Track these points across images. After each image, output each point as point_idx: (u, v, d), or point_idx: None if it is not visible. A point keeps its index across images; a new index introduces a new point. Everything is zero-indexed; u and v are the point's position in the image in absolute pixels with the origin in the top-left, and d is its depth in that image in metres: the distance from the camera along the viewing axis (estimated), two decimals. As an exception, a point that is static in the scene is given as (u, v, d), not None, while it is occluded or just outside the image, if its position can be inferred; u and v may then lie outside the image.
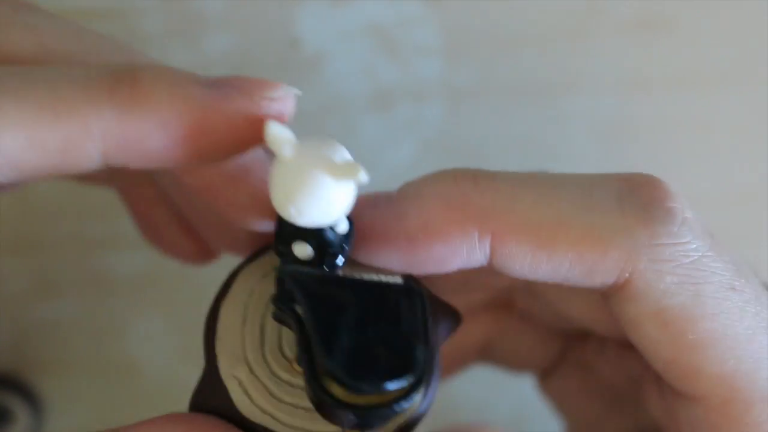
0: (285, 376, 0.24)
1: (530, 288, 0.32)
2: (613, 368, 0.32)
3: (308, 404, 0.23)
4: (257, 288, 0.25)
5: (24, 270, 0.42)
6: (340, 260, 0.24)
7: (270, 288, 0.25)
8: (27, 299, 0.42)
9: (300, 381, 0.24)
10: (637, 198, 0.25)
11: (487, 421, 0.44)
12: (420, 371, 0.22)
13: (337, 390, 0.22)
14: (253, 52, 0.38)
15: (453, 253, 0.25)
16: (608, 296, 0.26)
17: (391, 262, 0.25)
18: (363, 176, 0.22)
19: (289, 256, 0.24)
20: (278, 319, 0.24)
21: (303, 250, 0.24)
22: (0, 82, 0.22)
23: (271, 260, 0.26)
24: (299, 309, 0.23)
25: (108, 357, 0.43)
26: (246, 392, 0.24)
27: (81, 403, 0.43)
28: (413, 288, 0.24)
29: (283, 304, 0.23)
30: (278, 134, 0.22)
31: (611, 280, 0.25)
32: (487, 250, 0.25)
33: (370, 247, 0.25)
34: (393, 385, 0.21)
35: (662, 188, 0.25)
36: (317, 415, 0.23)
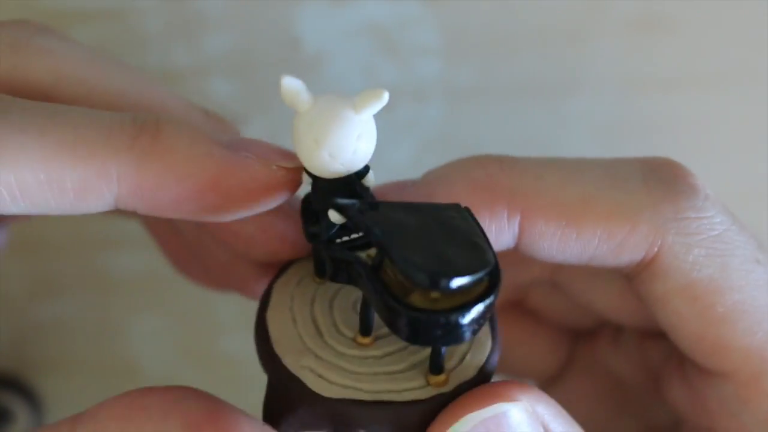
0: (352, 352, 0.24)
1: (551, 278, 0.32)
2: (628, 361, 0.32)
3: (385, 368, 0.24)
4: (296, 292, 0.26)
5: (24, 270, 0.42)
6: None
7: (308, 290, 0.26)
8: (27, 299, 0.42)
9: (369, 351, 0.24)
10: (661, 175, 0.25)
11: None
12: (494, 265, 0.22)
13: (420, 300, 0.22)
14: (253, 52, 0.38)
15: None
16: (635, 276, 0.26)
17: None
18: (384, 96, 0.23)
19: (322, 231, 0.24)
20: (335, 274, 0.24)
21: (335, 215, 0.24)
22: (24, 117, 0.22)
23: (299, 270, 0.26)
24: (363, 247, 0.24)
25: (108, 357, 0.43)
26: (321, 377, 0.24)
27: (81, 403, 0.43)
28: (460, 206, 0.24)
29: (342, 251, 0.24)
30: (293, 86, 0.23)
31: (640, 256, 0.25)
32: (516, 230, 0.25)
33: None
34: (474, 277, 0.21)
35: (683, 168, 0.26)
36: (398, 375, 0.23)
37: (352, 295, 0.26)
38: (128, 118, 0.23)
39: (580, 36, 0.39)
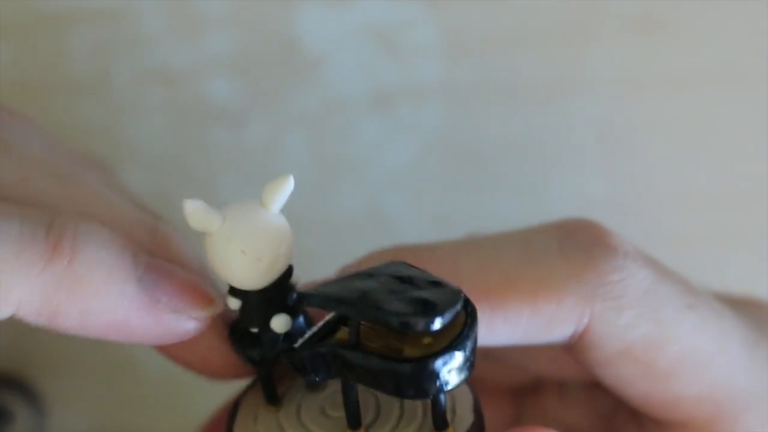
0: None
1: (486, 352, 0.31)
2: (579, 413, 0.31)
3: None
4: (258, 429, 0.25)
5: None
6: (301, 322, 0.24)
7: (270, 421, 0.25)
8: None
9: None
10: (578, 240, 0.25)
11: None
12: (463, 294, 0.22)
13: (416, 351, 0.22)
14: (253, 52, 0.38)
15: None
16: (571, 346, 0.25)
17: None
18: (289, 181, 0.22)
19: (266, 350, 0.24)
20: (313, 372, 0.23)
21: (281, 321, 0.23)
22: None
23: (250, 407, 0.25)
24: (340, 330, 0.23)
25: (108, 357, 0.43)
26: None
27: (81, 403, 0.43)
28: (396, 261, 0.24)
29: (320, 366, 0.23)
30: (200, 207, 0.22)
31: (571, 329, 0.24)
32: None
33: None
34: (458, 307, 0.21)
35: (597, 228, 0.25)
36: None
37: (315, 403, 0.25)
38: (42, 228, 0.22)
39: (580, 36, 0.39)
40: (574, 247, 0.25)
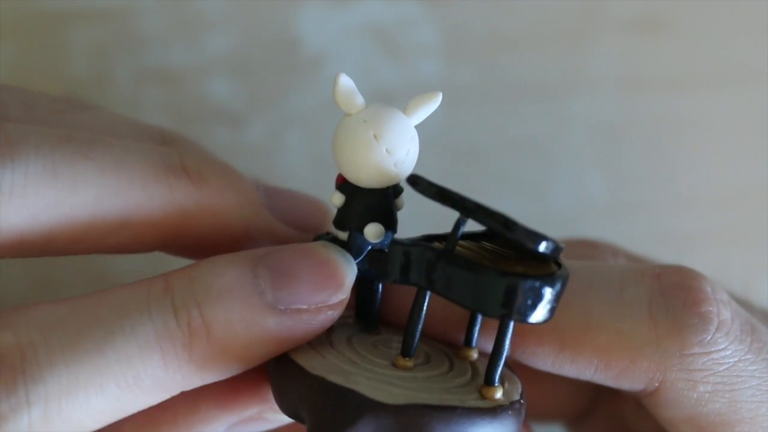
0: (397, 373, 0.23)
1: None
2: (652, 427, 0.30)
3: (437, 385, 0.23)
4: (312, 341, 0.24)
5: (24, 270, 0.42)
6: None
7: (321, 338, 0.24)
8: (27, 299, 0.42)
9: (413, 374, 0.23)
10: (670, 303, 0.24)
11: None
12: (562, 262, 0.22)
13: (519, 270, 0.22)
14: (253, 52, 0.38)
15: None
16: (641, 397, 0.25)
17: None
18: (438, 97, 0.23)
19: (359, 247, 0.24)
20: (402, 273, 0.23)
21: (375, 229, 0.23)
22: None
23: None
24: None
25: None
26: (377, 389, 0.22)
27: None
28: None
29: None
30: (349, 86, 0.23)
31: (640, 387, 0.24)
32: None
33: None
34: (558, 248, 0.22)
35: (696, 290, 0.24)
36: (453, 390, 0.23)
37: (366, 339, 0.25)
38: (170, 317, 0.22)
39: (580, 36, 0.39)
40: (664, 309, 0.24)
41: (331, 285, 0.23)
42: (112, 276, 0.42)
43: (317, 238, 0.24)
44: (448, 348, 0.25)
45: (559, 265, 0.23)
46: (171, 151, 0.25)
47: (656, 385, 0.24)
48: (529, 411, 0.34)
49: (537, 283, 0.21)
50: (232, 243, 0.25)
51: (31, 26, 0.38)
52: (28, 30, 0.38)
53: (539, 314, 0.22)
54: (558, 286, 0.22)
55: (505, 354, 0.23)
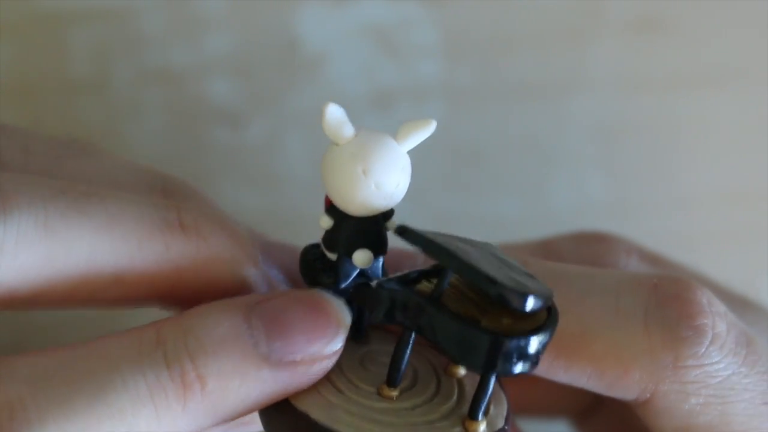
0: (381, 405, 0.23)
1: None
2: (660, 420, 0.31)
3: (420, 418, 0.23)
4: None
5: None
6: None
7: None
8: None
9: (397, 404, 0.23)
10: (665, 314, 0.24)
11: None
12: (553, 297, 0.22)
13: (505, 322, 0.22)
14: (253, 52, 0.38)
15: None
16: (633, 406, 0.25)
17: None
18: (431, 125, 0.23)
19: (340, 280, 0.23)
20: (388, 315, 0.23)
21: (363, 256, 0.23)
22: None
23: None
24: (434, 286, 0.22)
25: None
26: (358, 428, 0.22)
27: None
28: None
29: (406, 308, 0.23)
30: (338, 116, 0.22)
31: (632, 397, 0.24)
32: None
33: None
34: (548, 300, 0.21)
35: (692, 302, 0.24)
36: (436, 424, 0.23)
37: (354, 354, 0.24)
38: (162, 368, 0.22)
39: (580, 36, 0.39)
40: (659, 320, 0.24)
41: (326, 334, 0.23)
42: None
43: (305, 249, 0.24)
44: (437, 360, 0.25)
45: (549, 311, 0.22)
46: (169, 205, 0.24)
47: (648, 395, 0.24)
48: (534, 407, 0.34)
49: (522, 342, 0.21)
50: (225, 297, 0.24)
51: (31, 26, 0.38)
52: (28, 30, 0.38)
53: (524, 367, 0.22)
54: (544, 338, 0.22)
55: (489, 394, 0.23)
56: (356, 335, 0.25)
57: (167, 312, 0.26)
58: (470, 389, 0.24)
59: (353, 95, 0.39)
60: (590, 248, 0.30)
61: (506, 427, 0.24)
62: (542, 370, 0.24)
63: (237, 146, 0.39)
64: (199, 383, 0.22)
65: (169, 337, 0.22)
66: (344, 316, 0.23)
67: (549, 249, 0.29)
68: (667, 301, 0.24)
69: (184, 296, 0.24)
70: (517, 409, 0.34)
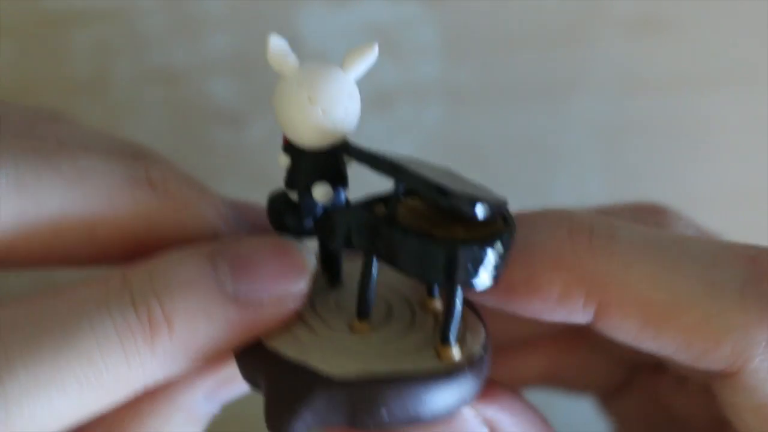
0: (353, 338, 0.23)
1: None
2: (691, 403, 0.30)
3: (392, 347, 0.23)
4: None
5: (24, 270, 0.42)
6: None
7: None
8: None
9: (369, 337, 0.23)
10: (764, 291, 0.23)
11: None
12: (508, 212, 0.22)
13: (460, 234, 0.22)
14: (253, 52, 0.38)
15: (552, 311, 0.24)
16: (715, 380, 0.24)
17: (486, 302, 0.24)
18: (374, 50, 0.23)
19: (304, 218, 0.24)
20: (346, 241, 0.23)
21: (322, 189, 0.23)
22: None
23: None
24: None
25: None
26: (330, 362, 0.22)
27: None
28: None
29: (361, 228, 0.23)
30: (282, 47, 0.22)
31: (718, 369, 0.23)
32: (590, 316, 0.24)
33: None
34: (502, 206, 0.22)
35: None
36: (407, 353, 0.23)
37: (331, 297, 0.25)
38: (129, 309, 0.22)
39: (580, 36, 0.39)
40: (757, 295, 0.23)
41: (290, 275, 0.23)
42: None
43: (271, 196, 0.25)
44: (414, 294, 0.25)
45: (506, 220, 0.23)
46: (137, 163, 0.25)
47: (735, 371, 0.23)
48: (564, 381, 0.33)
49: (476, 249, 0.21)
50: None
51: (31, 26, 0.38)
52: (28, 30, 0.38)
53: (484, 279, 0.22)
54: (500, 247, 0.22)
55: (458, 315, 0.23)
56: (332, 281, 0.25)
57: None
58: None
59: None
60: (649, 219, 0.29)
61: (484, 355, 0.23)
62: (630, 338, 0.23)
63: (237, 146, 0.39)
64: (166, 324, 0.22)
65: (135, 280, 0.22)
66: (309, 259, 0.23)
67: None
68: (766, 276, 0.23)
69: (154, 251, 0.24)
70: (545, 381, 0.34)
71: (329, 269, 0.25)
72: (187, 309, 0.22)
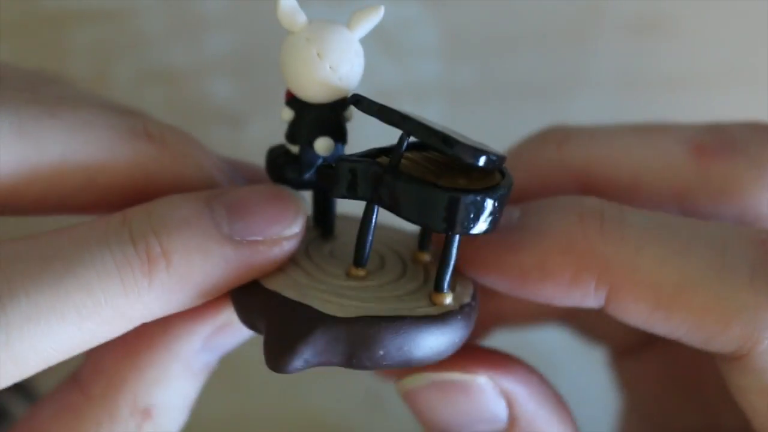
0: (350, 283, 0.24)
1: None
2: (712, 369, 0.30)
3: (388, 293, 0.24)
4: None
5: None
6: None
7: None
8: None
9: (366, 282, 0.24)
10: None
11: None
12: (506, 168, 0.23)
13: (461, 183, 0.23)
14: (253, 52, 0.38)
15: (564, 295, 0.24)
16: (722, 361, 0.24)
17: (498, 287, 0.25)
18: (380, 11, 0.24)
19: (303, 170, 0.24)
20: (349, 189, 0.24)
21: (325, 143, 0.24)
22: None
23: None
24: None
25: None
26: (329, 302, 0.23)
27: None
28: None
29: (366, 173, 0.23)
30: (291, 4, 0.24)
31: (727, 352, 0.24)
32: (602, 300, 0.24)
33: (479, 269, 0.25)
34: (502, 158, 0.23)
35: None
36: (404, 298, 0.24)
37: (326, 247, 0.26)
38: (129, 246, 0.23)
39: (580, 36, 0.39)
40: (766, 278, 0.23)
41: (284, 217, 0.24)
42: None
43: (270, 149, 0.25)
44: (404, 250, 0.26)
45: (503, 175, 0.23)
46: (135, 118, 0.25)
47: (744, 353, 0.23)
48: (581, 330, 0.33)
49: (478, 197, 0.22)
50: None
51: (31, 26, 0.38)
52: (27, 30, 0.38)
53: (481, 226, 0.23)
54: (499, 197, 0.22)
55: (452, 263, 0.23)
56: (325, 233, 0.26)
57: None
58: (435, 273, 0.24)
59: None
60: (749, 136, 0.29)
61: (473, 303, 0.24)
62: (641, 321, 0.24)
63: (237, 146, 0.39)
64: (164, 258, 0.23)
65: (135, 218, 0.23)
66: (302, 204, 0.24)
67: (720, 133, 0.28)
68: None
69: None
70: (565, 320, 0.33)
71: (322, 221, 0.26)
72: (184, 245, 0.23)
